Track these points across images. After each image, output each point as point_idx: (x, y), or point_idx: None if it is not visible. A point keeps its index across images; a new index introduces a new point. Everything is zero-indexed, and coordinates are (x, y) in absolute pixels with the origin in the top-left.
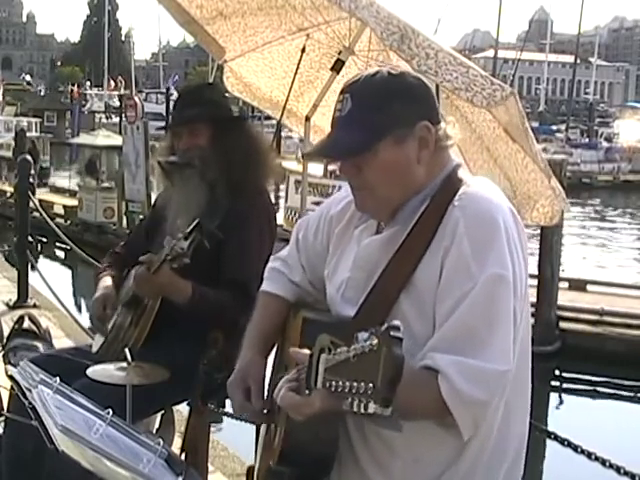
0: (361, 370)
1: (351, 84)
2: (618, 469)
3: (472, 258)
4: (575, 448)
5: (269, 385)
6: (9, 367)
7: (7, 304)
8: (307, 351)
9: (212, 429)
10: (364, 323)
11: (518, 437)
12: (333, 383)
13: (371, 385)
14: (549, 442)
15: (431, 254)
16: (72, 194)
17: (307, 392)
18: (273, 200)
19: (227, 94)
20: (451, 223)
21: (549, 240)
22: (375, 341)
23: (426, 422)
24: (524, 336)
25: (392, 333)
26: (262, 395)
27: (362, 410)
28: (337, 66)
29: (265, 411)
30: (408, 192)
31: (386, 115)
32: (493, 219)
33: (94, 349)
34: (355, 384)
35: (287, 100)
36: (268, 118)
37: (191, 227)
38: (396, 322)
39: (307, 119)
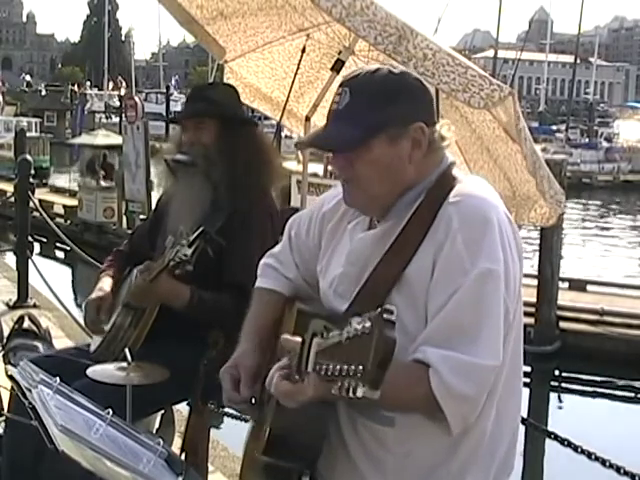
0: (352, 353)
1: (351, 79)
2: (618, 469)
3: (466, 254)
4: (575, 448)
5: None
6: (9, 367)
7: (7, 304)
8: (299, 338)
9: (212, 429)
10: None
11: (508, 437)
12: (324, 367)
13: (361, 367)
14: (549, 442)
15: (424, 250)
16: (72, 194)
17: (297, 377)
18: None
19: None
20: (445, 219)
21: (549, 240)
22: (368, 324)
23: (417, 417)
24: (516, 336)
25: (385, 316)
26: (250, 385)
27: (351, 394)
28: (337, 66)
29: (253, 401)
30: (395, 189)
31: (382, 113)
32: (487, 216)
33: (92, 348)
34: (345, 367)
35: (287, 100)
36: (268, 118)
37: (195, 235)
38: (390, 306)
39: (307, 119)
